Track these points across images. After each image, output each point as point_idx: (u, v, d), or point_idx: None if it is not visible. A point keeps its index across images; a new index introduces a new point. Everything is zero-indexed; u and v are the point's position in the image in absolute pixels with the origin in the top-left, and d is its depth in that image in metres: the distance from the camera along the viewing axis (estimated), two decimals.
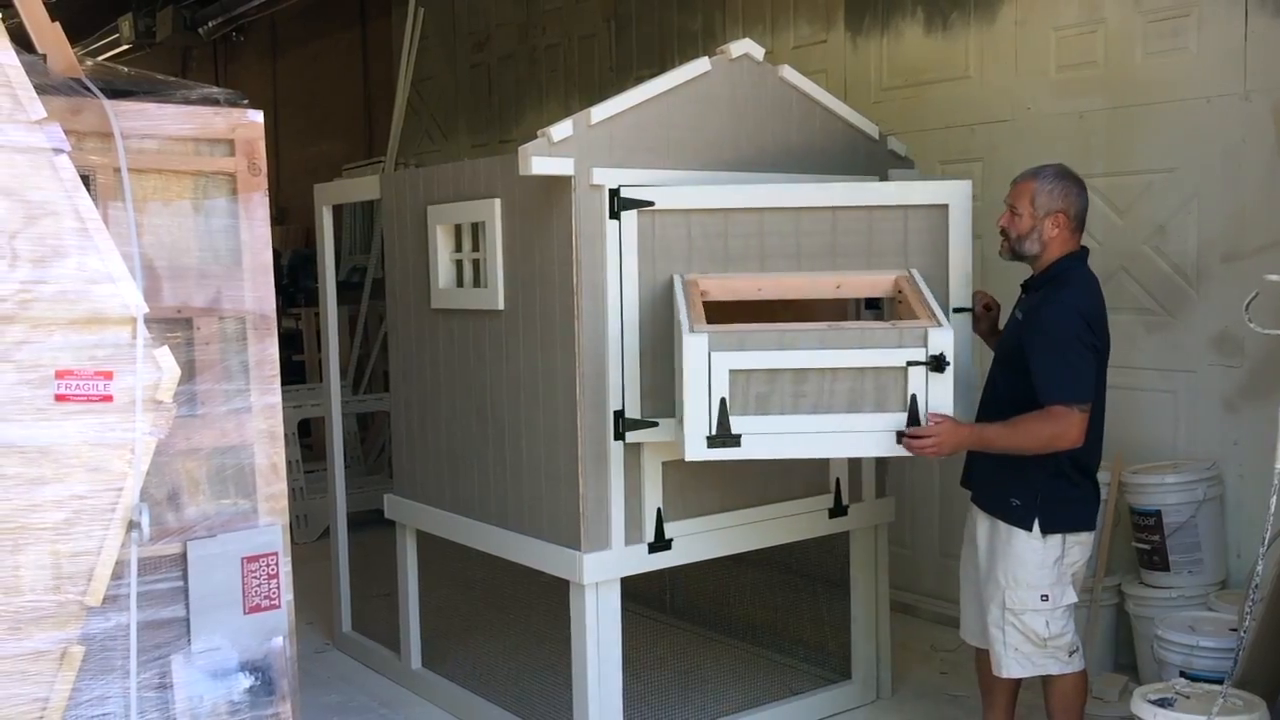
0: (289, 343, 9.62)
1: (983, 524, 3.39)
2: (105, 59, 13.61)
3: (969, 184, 3.55)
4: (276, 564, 3.30)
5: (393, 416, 4.40)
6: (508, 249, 3.66)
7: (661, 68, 3.69)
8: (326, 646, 4.93)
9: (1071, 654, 3.30)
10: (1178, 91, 4.33)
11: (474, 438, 3.88)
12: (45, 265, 2.84)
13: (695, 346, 3.03)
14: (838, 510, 3.99)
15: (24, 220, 2.81)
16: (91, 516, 2.92)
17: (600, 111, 3.37)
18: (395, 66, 8.66)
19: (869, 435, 3.14)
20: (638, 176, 3.43)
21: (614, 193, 3.36)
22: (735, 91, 3.66)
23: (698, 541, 3.65)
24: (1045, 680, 3.36)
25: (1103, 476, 4.23)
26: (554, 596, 3.66)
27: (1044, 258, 3.29)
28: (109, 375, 2.95)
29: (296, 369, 9.27)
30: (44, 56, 3.38)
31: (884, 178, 4.07)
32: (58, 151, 2.88)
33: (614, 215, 3.37)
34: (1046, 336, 3.14)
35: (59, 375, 2.89)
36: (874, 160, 4.04)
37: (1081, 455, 3.21)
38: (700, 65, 3.56)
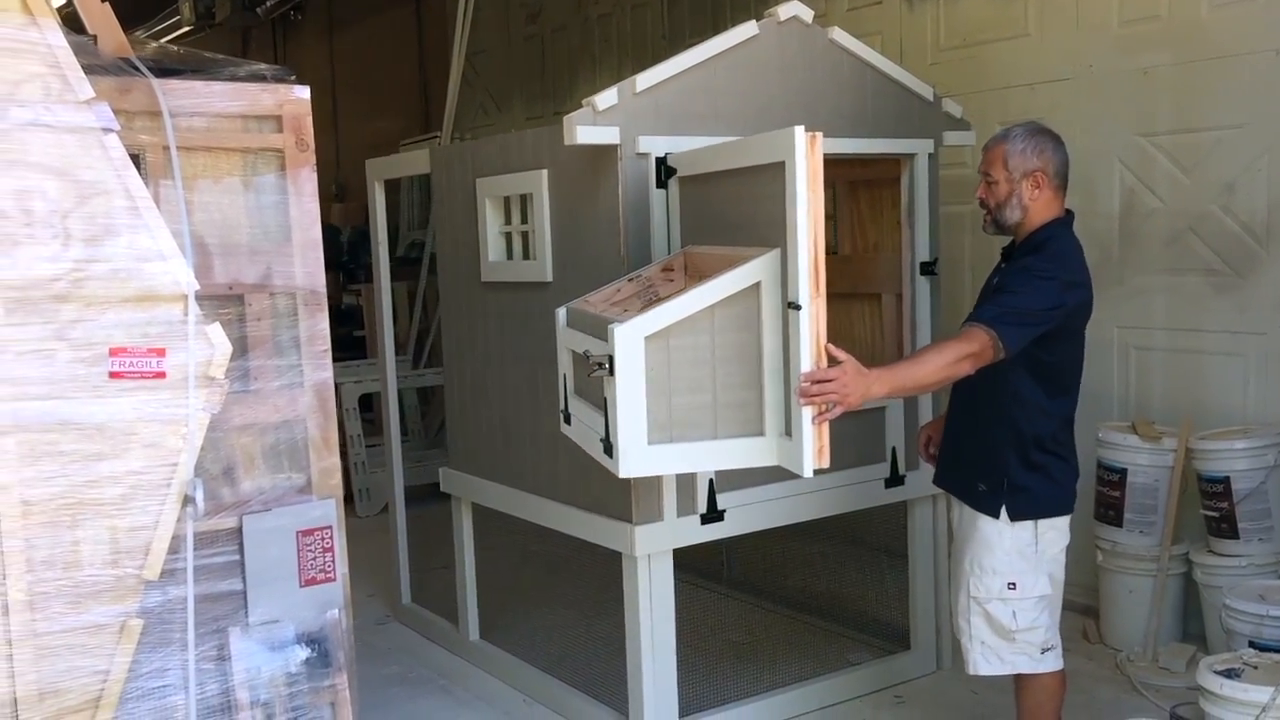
0: (350, 318, 9.71)
1: (954, 509, 3.26)
2: (167, 41, 13.78)
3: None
4: (331, 537, 3.33)
5: (446, 390, 4.41)
6: (555, 220, 3.64)
7: (714, 35, 3.64)
8: (387, 619, 4.98)
9: (1045, 651, 3.07)
10: (1246, 44, 4.18)
11: (525, 410, 3.88)
12: (97, 244, 2.87)
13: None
14: (894, 480, 3.93)
15: (76, 200, 2.84)
16: (148, 492, 2.96)
17: (646, 79, 3.32)
18: (449, 40, 8.67)
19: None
20: (685, 144, 3.38)
21: (660, 161, 3.32)
22: (784, 55, 3.59)
23: (750, 512, 3.62)
24: (1016, 681, 3.17)
25: (1170, 443, 4.17)
26: (611, 567, 3.65)
27: (1026, 224, 3.03)
28: (162, 352, 2.98)
29: (358, 344, 9.35)
30: (94, 37, 3.41)
31: (939, 141, 3.99)
32: (107, 131, 2.90)
33: (660, 184, 3.33)
34: (1015, 278, 2.95)
35: (113, 353, 2.92)
36: (929, 123, 3.96)
37: (1055, 433, 3.03)
38: (748, 29, 3.50)
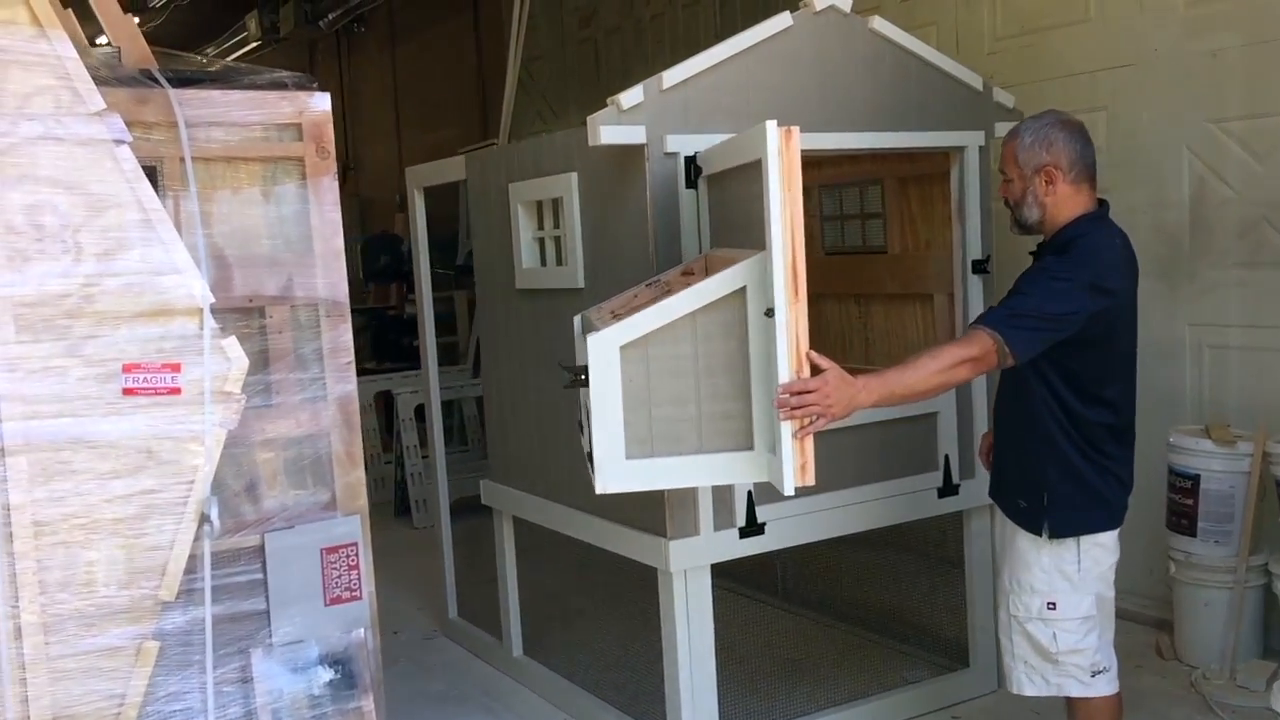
0: (413, 328, 9.68)
1: (997, 521, 3.09)
2: (235, 57, 13.98)
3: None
4: (357, 554, 3.24)
5: (485, 401, 4.32)
6: (586, 224, 3.52)
7: None
8: (435, 633, 4.91)
9: (1095, 674, 2.87)
10: None
11: (560, 422, 3.77)
12: (110, 258, 2.82)
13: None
14: (948, 489, 3.75)
15: (87, 213, 2.79)
16: (163, 511, 2.90)
17: (673, 75, 3.19)
18: (506, 47, 8.62)
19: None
20: (716, 143, 3.24)
21: (689, 160, 3.19)
22: (821, 47, 3.44)
23: (793, 525, 3.46)
24: (1067, 704, 2.99)
25: (1245, 447, 3.92)
26: (654, 582, 3.51)
27: (1049, 222, 2.84)
28: (177, 368, 2.92)
29: (418, 354, 9.33)
30: (118, 50, 3.37)
31: (990, 133, 3.80)
32: (119, 143, 2.85)
33: (690, 184, 3.19)
34: (1028, 279, 2.75)
35: (126, 369, 2.86)
36: (978, 114, 3.77)
37: (1097, 443, 2.82)
38: (781, 20, 3.35)
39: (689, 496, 3.28)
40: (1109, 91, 4.56)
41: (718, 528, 3.34)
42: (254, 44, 12.90)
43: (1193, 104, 4.30)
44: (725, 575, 4.28)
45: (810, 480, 2.42)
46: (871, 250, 4.33)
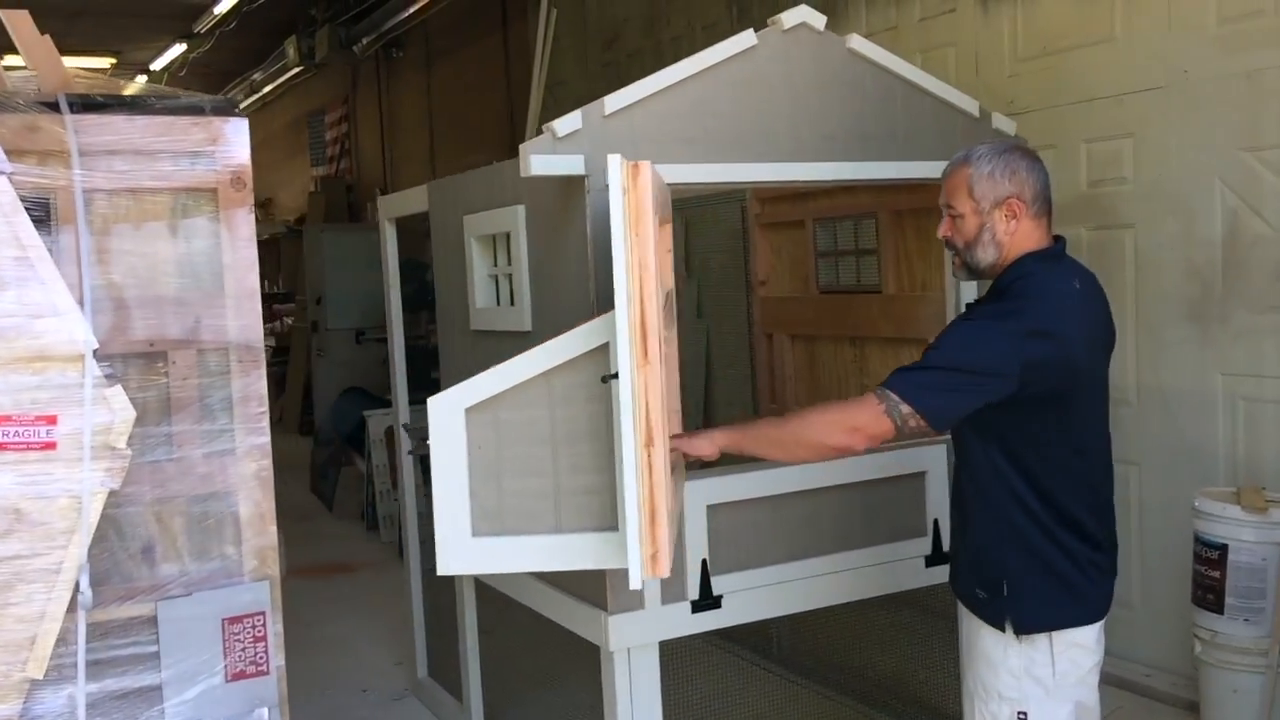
0: (435, 358, 9.43)
1: (961, 614, 2.64)
2: (278, 84, 13.84)
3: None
4: (264, 625, 2.94)
5: None
6: (533, 261, 3.22)
7: None
8: (404, 693, 4.61)
9: None
10: None
11: None
12: None
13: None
14: (937, 557, 3.36)
15: None
16: (32, 578, 2.62)
17: (617, 100, 2.88)
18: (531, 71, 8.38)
19: None
20: (671, 173, 2.92)
21: None
22: (791, 69, 3.10)
23: (755, 598, 3.11)
24: None
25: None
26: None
27: (1005, 263, 2.44)
28: (52, 420, 2.65)
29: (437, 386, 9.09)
30: (35, 74, 3.15)
31: None
32: None
33: None
34: (950, 328, 2.40)
35: None
36: (975, 142, 3.38)
37: (1068, 519, 2.41)
38: (744, 39, 3.02)
39: None
40: (1136, 117, 4.16)
41: (667, 600, 2.99)
42: (294, 70, 12.84)
43: (1226, 131, 3.89)
44: (717, 632, 3.93)
45: (663, 572, 2.05)
46: (866, 290, 3.97)
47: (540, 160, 2.80)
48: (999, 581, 2.42)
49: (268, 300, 13.88)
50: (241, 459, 2.95)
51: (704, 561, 3.03)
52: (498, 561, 2.30)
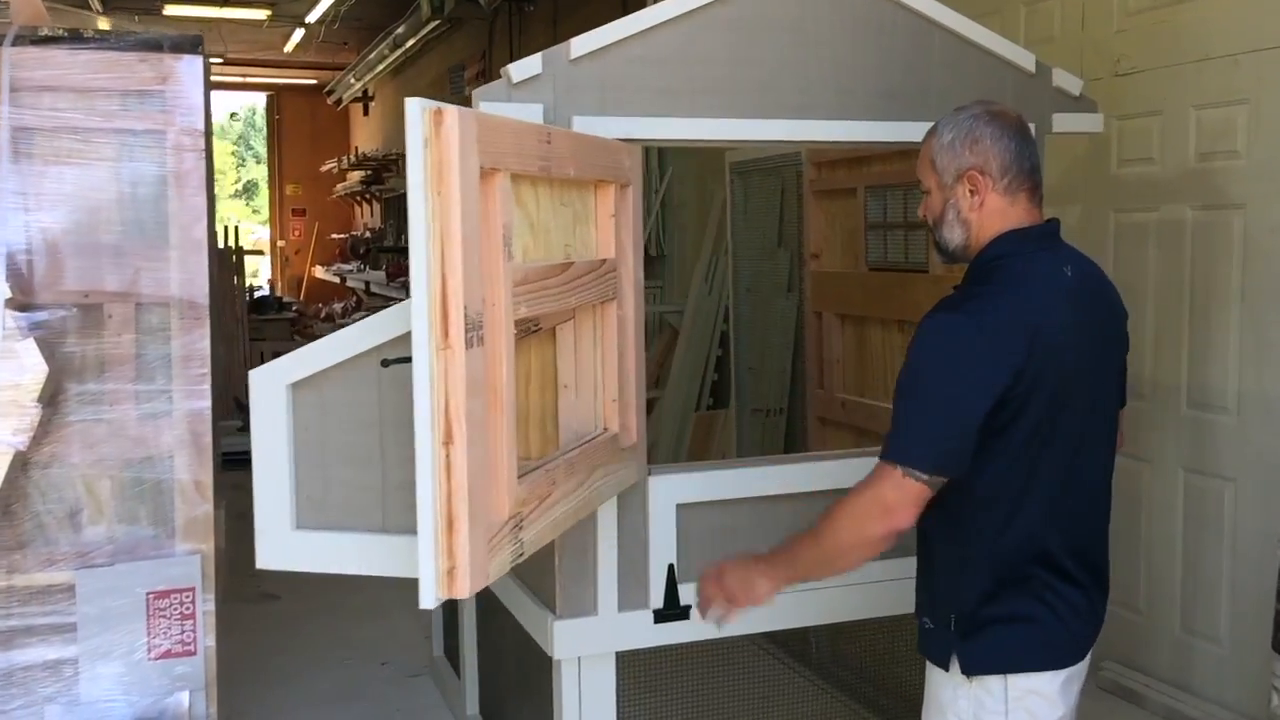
0: None
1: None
2: (418, 38, 13.81)
3: None
4: (193, 601, 2.76)
5: None
6: None
7: None
8: (423, 670, 4.41)
9: None
10: None
11: None
12: None
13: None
14: None
15: None
16: None
17: (585, 43, 2.54)
18: None
19: None
20: (645, 128, 2.58)
21: None
22: (802, 10, 2.70)
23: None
24: None
25: None
26: None
27: (975, 246, 2.09)
28: None
29: None
30: (5, 5, 3.01)
31: (1045, 126, 2.96)
32: None
33: None
34: (906, 365, 2.00)
35: None
36: (1031, 102, 2.93)
37: (1038, 545, 2.01)
38: None
39: (587, 562, 2.64)
40: (1252, 79, 3.59)
41: (625, 607, 2.68)
42: (432, 24, 12.78)
43: None
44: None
45: (462, 591, 1.73)
46: (914, 268, 3.53)
47: (493, 109, 2.48)
48: (949, 613, 2.05)
49: (398, 255, 13.96)
50: (179, 422, 2.76)
51: (670, 567, 2.70)
52: (320, 559, 2.04)
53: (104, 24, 2.93)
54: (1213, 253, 3.73)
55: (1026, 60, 2.92)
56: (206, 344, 2.77)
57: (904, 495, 1.93)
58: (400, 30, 14.41)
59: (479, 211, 1.64)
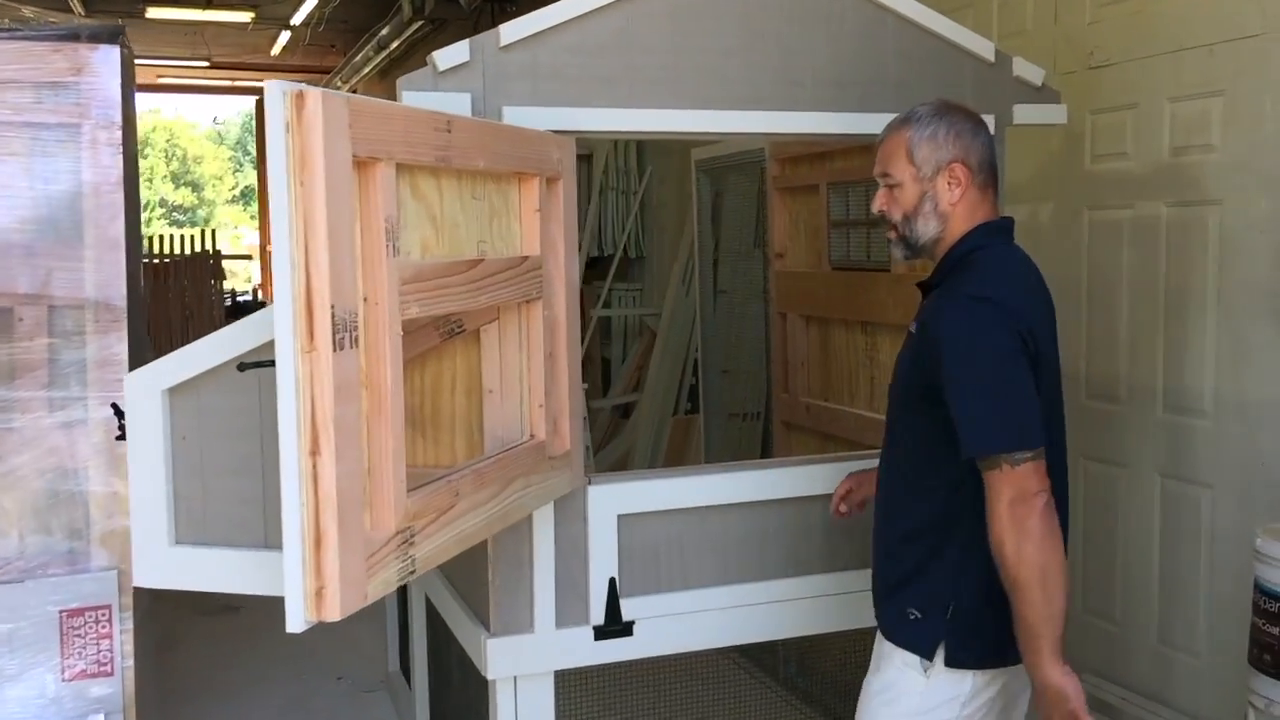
0: None
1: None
2: (401, 40, 13.68)
3: None
4: (110, 619, 2.62)
5: None
6: None
7: None
8: (379, 685, 4.27)
9: None
10: None
11: None
12: None
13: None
14: None
15: None
16: None
17: (516, 29, 2.42)
18: None
19: None
20: (582, 119, 2.46)
21: None
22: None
23: (676, 626, 2.63)
24: None
25: None
26: None
27: (949, 239, 2.10)
28: None
29: None
30: None
31: (1005, 119, 2.84)
32: None
33: None
34: (956, 353, 1.96)
35: None
36: (990, 92, 2.81)
37: None
38: None
39: (523, 576, 2.51)
40: (1229, 71, 3.46)
41: (564, 623, 2.55)
42: (415, 26, 12.66)
43: None
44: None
45: (331, 614, 1.59)
46: (876, 267, 3.40)
47: (418, 99, 2.35)
48: (945, 603, 2.03)
49: None
50: (94, 431, 2.63)
51: (612, 581, 2.57)
52: (201, 577, 1.92)
53: (28, 12, 2.79)
54: (1188, 251, 3.60)
55: (986, 49, 2.79)
56: (124, 348, 2.64)
57: (1033, 476, 1.89)
58: (384, 32, 14.29)
59: (352, 204, 1.51)
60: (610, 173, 7.86)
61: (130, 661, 2.64)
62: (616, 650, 2.59)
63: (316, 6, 13.67)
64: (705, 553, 2.66)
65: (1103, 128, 3.91)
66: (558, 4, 2.45)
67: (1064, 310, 4.01)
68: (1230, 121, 3.46)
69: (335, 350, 1.48)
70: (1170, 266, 3.68)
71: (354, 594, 1.56)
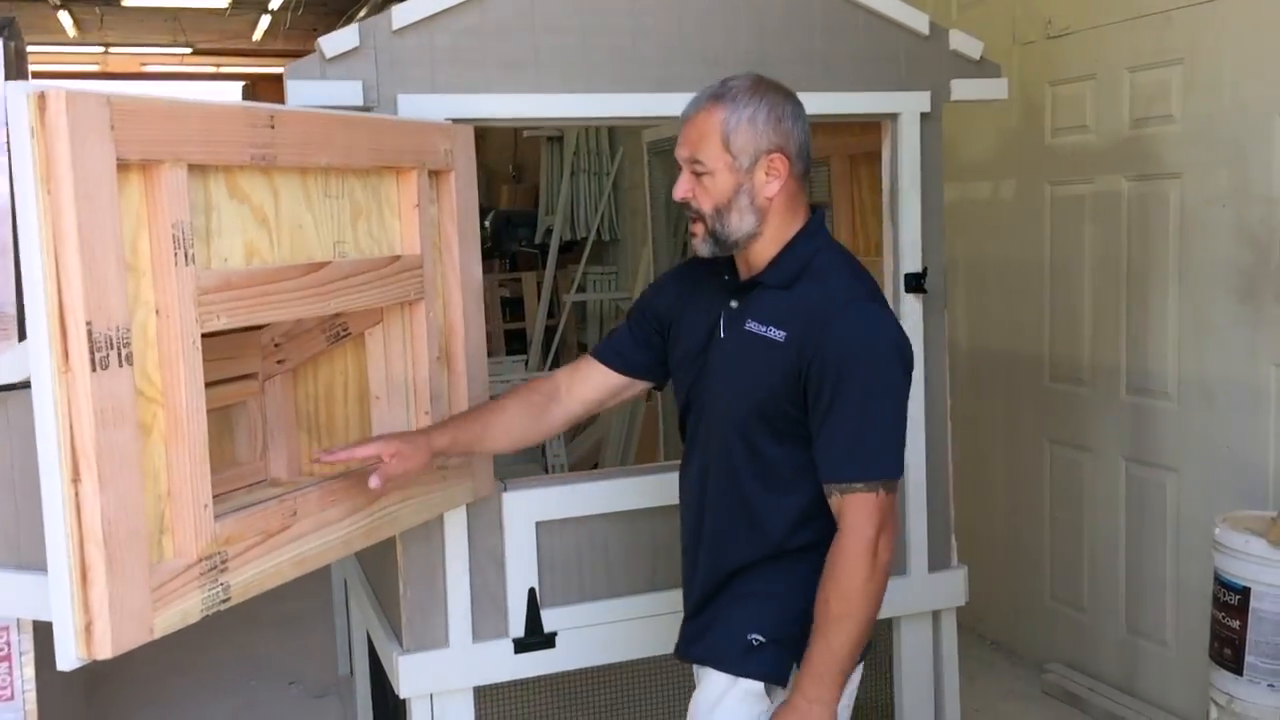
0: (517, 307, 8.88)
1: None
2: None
3: None
4: (8, 640, 2.51)
5: None
6: None
7: None
8: (331, 690, 4.16)
9: None
10: None
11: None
12: None
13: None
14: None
15: None
16: None
17: (410, 11, 2.27)
18: None
19: None
20: (485, 106, 2.32)
21: None
22: None
23: (601, 637, 2.51)
24: None
25: None
26: None
27: (766, 236, 1.86)
28: None
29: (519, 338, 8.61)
30: None
31: (942, 94, 2.70)
32: None
33: None
34: (871, 364, 1.77)
35: None
36: (925, 67, 2.67)
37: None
38: None
39: (436, 589, 2.39)
40: (1185, 37, 3.31)
41: (481, 637, 2.43)
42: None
43: None
44: None
45: (103, 651, 1.46)
46: None
47: (304, 88, 2.22)
48: (794, 628, 1.84)
49: None
50: None
51: (532, 591, 2.45)
52: (13, 604, 1.79)
53: None
54: (1149, 227, 3.47)
55: (919, 22, 2.65)
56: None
57: (891, 507, 1.78)
58: (361, 15, 14.14)
59: (114, 211, 1.37)
60: (581, 155, 7.72)
61: (32, 686, 2.52)
62: (538, 663, 2.48)
63: None
64: (631, 559, 2.54)
65: (1062, 100, 3.77)
66: None
67: (1028, 291, 3.92)
68: (1189, 90, 3.32)
69: (96, 370, 1.35)
70: (1131, 243, 3.54)
71: (134, 628, 1.45)
